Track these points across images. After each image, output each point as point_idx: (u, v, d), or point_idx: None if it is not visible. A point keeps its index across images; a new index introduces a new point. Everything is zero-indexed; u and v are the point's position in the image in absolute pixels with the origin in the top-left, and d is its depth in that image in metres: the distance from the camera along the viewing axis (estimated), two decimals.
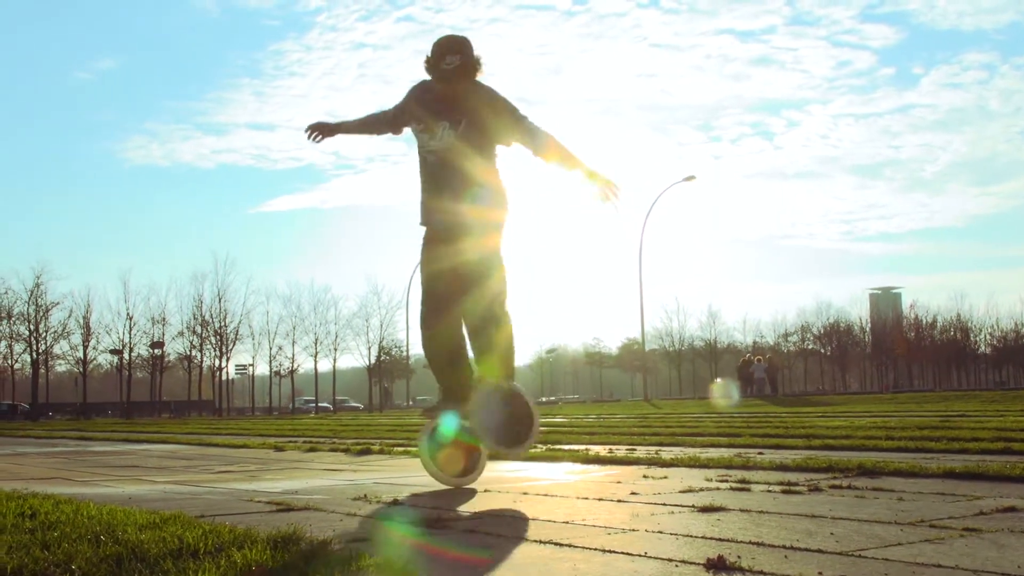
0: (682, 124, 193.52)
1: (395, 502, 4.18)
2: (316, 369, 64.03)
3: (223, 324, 60.47)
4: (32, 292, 57.73)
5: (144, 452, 10.44)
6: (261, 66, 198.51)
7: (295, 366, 64.73)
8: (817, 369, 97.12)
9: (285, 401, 78.84)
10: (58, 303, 59.43)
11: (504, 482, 5.35)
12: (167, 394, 72.26)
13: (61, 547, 2.68)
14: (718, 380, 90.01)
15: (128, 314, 60.37)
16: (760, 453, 7.17)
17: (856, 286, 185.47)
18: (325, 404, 68.30)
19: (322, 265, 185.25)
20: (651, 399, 51.03)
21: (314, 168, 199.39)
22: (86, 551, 2.61)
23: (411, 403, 73.00)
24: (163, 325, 61.65)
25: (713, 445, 8.42)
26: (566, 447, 8.43)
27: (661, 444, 8.75)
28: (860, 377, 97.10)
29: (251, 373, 67.72)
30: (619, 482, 5.07)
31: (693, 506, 3.79)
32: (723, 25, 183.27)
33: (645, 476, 5.35)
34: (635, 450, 7.89)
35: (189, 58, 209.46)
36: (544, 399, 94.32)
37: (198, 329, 61.20)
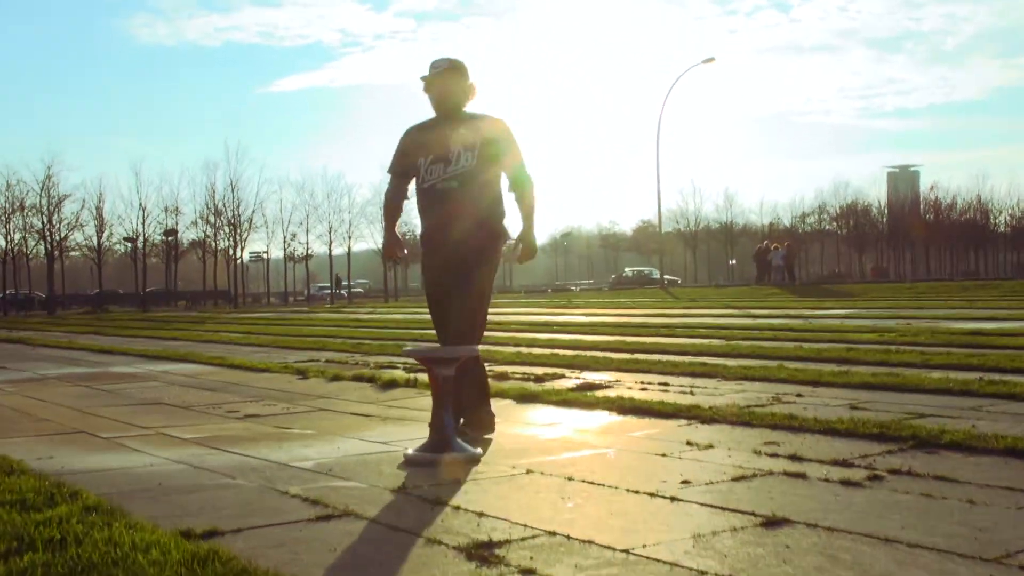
0: None
1: (438, 500, 3.98)
2: (331, 257, 63.91)
3: (236, 214, 60.18)
4: (43, 184, 57.31)
5: (166, 377, 10.34)
6: None
7: (309, 252, 64.69)
8: (834, 251, 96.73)
9: (300, 286, 79.05)
10: (70, 195, 59.10)
11: (543, 449, 5.16)
12: (183, 282, 72.54)
13: None
14: (732, 262, 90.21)
15: (141, 204, 60.14)
16: (799, 396, 6.97)
17: (874, 163, 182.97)
18: (340, 291, 68.24)
19: (335, 149, 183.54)
20: (669, 287, 50.95)
21: (322, 46, 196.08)
22: None
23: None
24: (176, 215, 61.45)
25: (747, 377, 8.21)
26: (596, 380, 8.22)
27: (694, 374, 8.54)
28: (877, 259, 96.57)
29: (266, 259, 67.83)
30: (664, 455, 4.87)
31: (754, 513, 3.58)
32: None
33: (689, 443, 5.15)
34: (668, 387, 7.70)
35: None
36: (559, 284, 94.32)
37: (211, 219, 61.02)
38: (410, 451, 4.99)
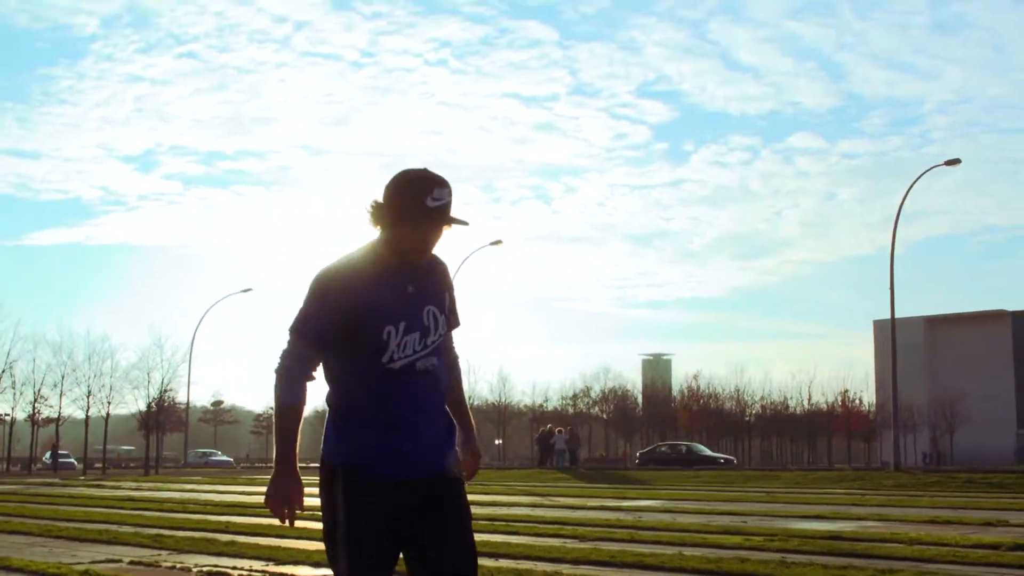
0: (465, 183, 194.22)
1: None
2: (88, 423, 58.84)
3: None
4: None
5: None
6: (27, 91, 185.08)
7: (61, 416, 59.42)
8: (601, 433, 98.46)
9: (43, 448, 72.54)
10: None
11: None
12: None
13: None
14: (498, 442, 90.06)
15: None
16: None
17: (631, 350, 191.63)
18: (67, 459, 62.38)
19: (98, 309, 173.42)
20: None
21: (81, 202, 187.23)
22: None
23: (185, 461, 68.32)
24: None
25: None
26: None
27: None
28: (641, 442, 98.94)
29: (9, 421, 62.08)
30: None
31: None
32: (509, 89, 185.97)
33: None
34: None
35: None
36: None
37: None
38: None
